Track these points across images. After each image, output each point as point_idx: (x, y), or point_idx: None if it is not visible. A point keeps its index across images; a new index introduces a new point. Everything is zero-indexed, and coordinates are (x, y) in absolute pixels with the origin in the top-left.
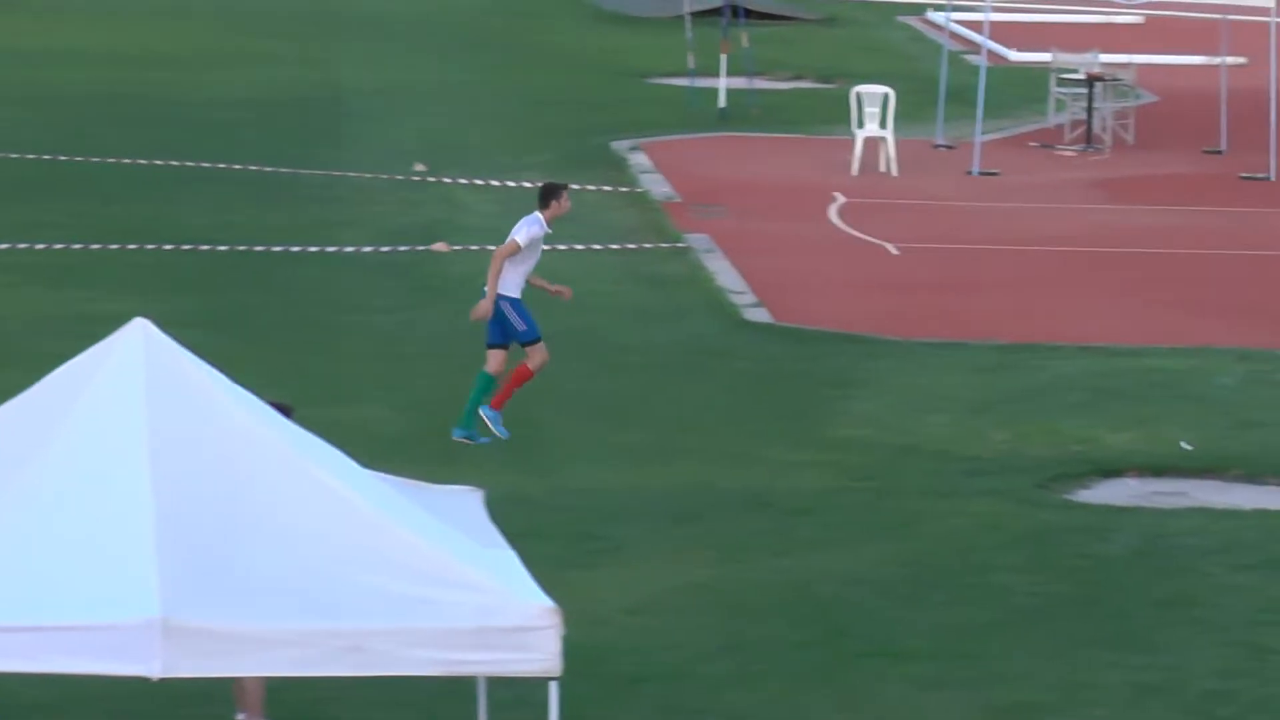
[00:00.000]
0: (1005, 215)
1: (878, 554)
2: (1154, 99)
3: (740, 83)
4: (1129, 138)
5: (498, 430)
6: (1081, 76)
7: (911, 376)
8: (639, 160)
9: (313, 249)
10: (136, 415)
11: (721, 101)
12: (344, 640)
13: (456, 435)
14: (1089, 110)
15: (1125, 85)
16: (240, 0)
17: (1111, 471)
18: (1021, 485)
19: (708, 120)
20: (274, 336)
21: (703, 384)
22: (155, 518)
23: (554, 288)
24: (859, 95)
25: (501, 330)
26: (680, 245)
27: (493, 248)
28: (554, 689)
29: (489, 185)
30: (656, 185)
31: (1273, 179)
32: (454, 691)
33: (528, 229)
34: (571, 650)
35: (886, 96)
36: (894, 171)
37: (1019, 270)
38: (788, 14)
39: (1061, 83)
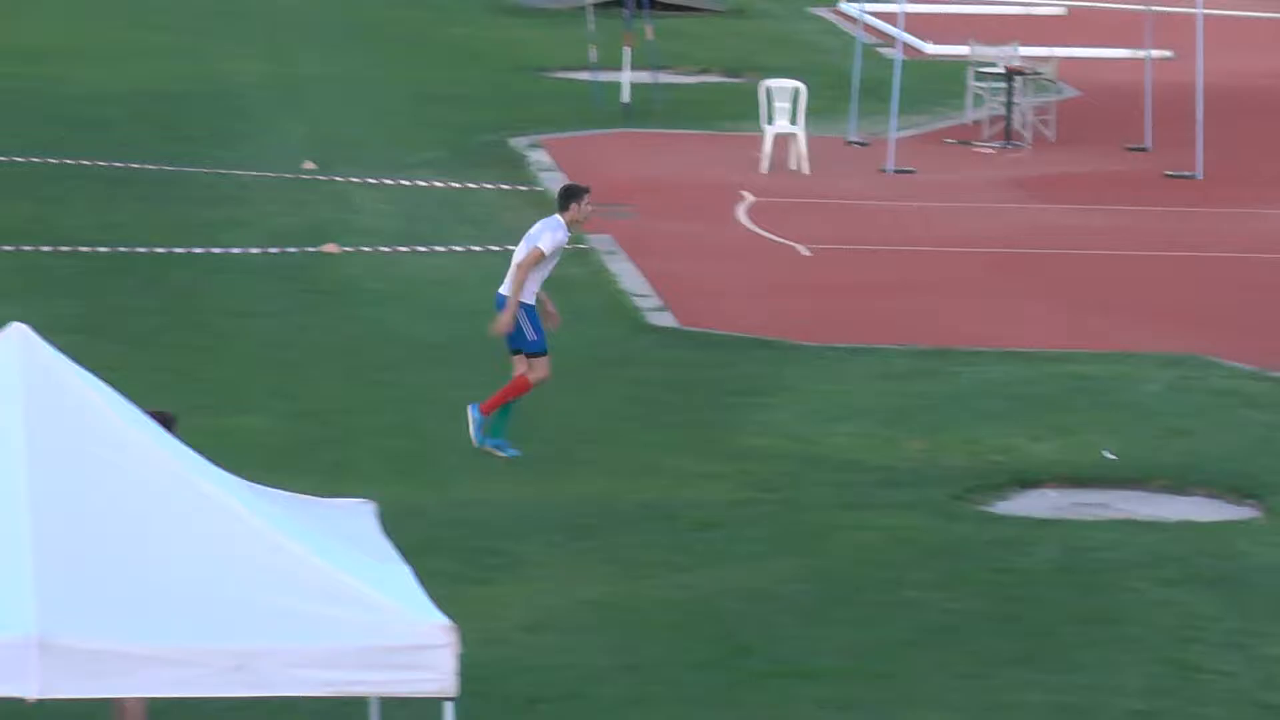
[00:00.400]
0: (921, 215)
1: (785, 569)
2: (1076, 94)
3: (644, 77)
4: (1050, 134)
5: (474, 434)
6: (1001, 70)
7: (822, 383)
8: (539, 158)
9: (198, 250)
10: (13, 426)
11: (625, 96)
12: (230, 660)
13: (486, 445)
14: (1008, 105)
15: (1046, 79)
16: None
17: (1031, 482)
18: (937, 497)
19: (611, 116)
20: (158, 342)
21: (604, 392)
22: (32, 532)
23: (550, 308)
24: (769, 90)
25: (510, 336)
26: (581, 246)
27: (385, 250)
28: (449, 709)
29: (382, 184)
30: (557, 184)
31: (1200, 177)
32: (346, 713)
33: (551, 235)
34: (468, 669)
35: (797, 91)
36: (805, 169)
37: (936, 272)
38: (694, 5)
39: (980, 77)
